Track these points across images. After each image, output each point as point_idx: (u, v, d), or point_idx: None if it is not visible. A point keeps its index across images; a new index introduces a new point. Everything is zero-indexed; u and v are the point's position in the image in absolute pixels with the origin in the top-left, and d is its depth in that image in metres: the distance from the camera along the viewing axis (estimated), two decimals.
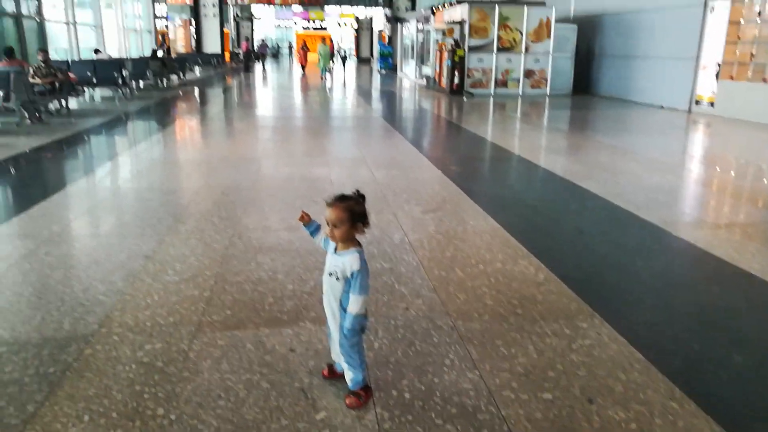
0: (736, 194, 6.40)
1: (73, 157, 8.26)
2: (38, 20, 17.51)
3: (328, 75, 24.94)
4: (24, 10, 16.77)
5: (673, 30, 14.72)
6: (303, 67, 29.54)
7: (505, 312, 3.30)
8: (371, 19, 43.63)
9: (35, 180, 6.77)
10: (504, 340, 2.98)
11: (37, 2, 17.62)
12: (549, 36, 17.89)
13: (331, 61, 26.28)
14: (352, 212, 2.27)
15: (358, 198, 2.31)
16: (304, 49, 30.55)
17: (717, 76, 13.39)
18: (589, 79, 18.80)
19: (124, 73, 15.73)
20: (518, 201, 5.86)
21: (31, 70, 11.60)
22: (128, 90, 16.16)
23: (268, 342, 2.90)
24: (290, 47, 31.25)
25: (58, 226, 4.68)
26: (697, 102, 14.15)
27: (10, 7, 16.01)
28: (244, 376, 2.60)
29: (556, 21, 17.80)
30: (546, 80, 18.18)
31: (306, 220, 2.54)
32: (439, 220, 5.05)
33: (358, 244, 2.36)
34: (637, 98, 16.26)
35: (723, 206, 5.98)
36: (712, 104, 13.63)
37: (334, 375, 2.60)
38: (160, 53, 20.95)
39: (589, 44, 18.58)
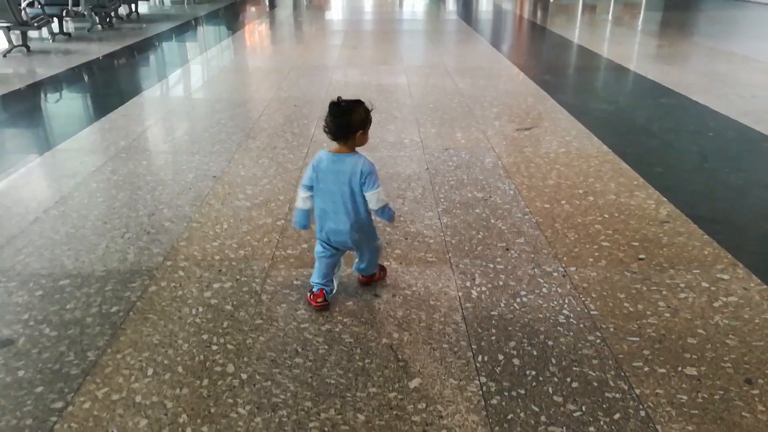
0: None
1: (143, 64, 8.00)
2: None
3: None
4: None
5: None
6: None
7: (625, 257, 2.78)
8: None
9: (105, 89, 6.56)
10: (627, 293, 2.49)
11: None
12: None
13: None
14: None
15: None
16: None
17: None
18: None
19: None
20: (626, 118, 5.12)
21: None
22: None
23: (350, 284, 2.53)
24: None
25: (126, 141, 4.43)
26: None
27: None
28: (324, 326, 2.26)
29: None
30: None
31: None
32: (536, 139, 4.44)
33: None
34: None
35: None
36: None
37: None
38: None
39: None
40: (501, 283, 2.56)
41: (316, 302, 2.34)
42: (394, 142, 4.42)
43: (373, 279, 2.53)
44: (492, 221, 3.13)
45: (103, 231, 3.02)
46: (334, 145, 2.21)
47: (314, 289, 2.36)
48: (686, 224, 3.10)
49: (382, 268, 2.59)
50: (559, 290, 2.50)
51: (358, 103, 2.17)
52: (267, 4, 16.11)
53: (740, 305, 2.40)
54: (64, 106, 5.98)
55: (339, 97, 2.17)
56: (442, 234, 2.99)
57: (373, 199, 2.17)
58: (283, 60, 7.89)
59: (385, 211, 2.23)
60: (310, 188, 2.24)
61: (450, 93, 5.86)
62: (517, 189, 3.54)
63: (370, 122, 2.21)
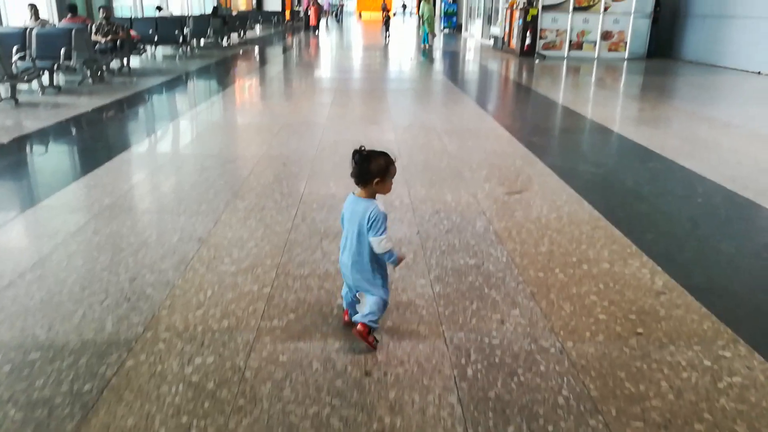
0: None
1: (132, 118, 7.98)
2: None
3: (431, 40, 19.69)
4: None
5: None
6: (314, 28, 27.43)
7: (623, 331, 2.70)
8: None
9: (92, 144, 6.50)
10: (628, 371, 2.39)
11: None
12: None
13: (433, 26, 20.15)
14: None
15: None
16: (316, 6, 27.92)
17: None
18: (671, 42, 17.26)
19: (186, 31, 15.46)
20: (615, 182, 5.14)
21: (93, 28, 11.42)
22: (189, 48, 15.92)
23: (339, 360, 2.41)
24: (340, 8, 37.70)
25: (110, 199, 4.33)
26: None
27: None
28: (311, 408, 2.12)
29: None
30: (625, 43, 16.83)
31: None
32: (526, 203, 4.42)
33: None
34: (728, 63, 14.78)
35: None
36: None
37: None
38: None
39: (673, 3, 16.99)
40: (497, 359, 2.45)
41: (344, 318, 2.68)
42: (384, 203, 4.35)
43: (364, 336, 2.45)
44: (486, 291, 3.05)
45: (81, 297, 2.88)
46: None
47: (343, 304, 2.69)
48: (683, 296, 3.04)
49: (375, 338, 2.50)
50: (557, 368, 2.40)
51: (379, 154, 2.38)
52: (257, 60, 16.39)
53: (745, 386, 2.31)
54: (50, 160, 5.90)
55: (362, 146, 2.38)
56: (434, 304, 2.90)
57: (374, 243, 2.36)
58: (274, 117, 7.92)
59: (386, 256, 2.41)
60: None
61: (439, 153, 5.87)
62: (509, 256, 3.48)
63: (391, 173, 2.40)
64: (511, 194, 4.64)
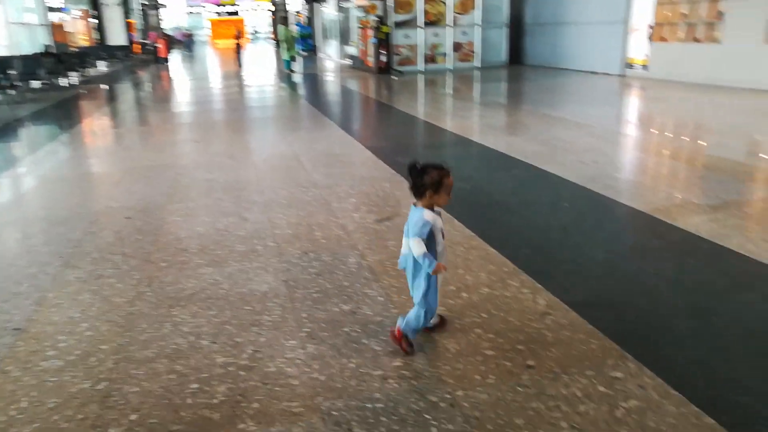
0: (734, 170, 5.89)
1: None
2: None
3: (294, 65, 19.28)
4: None
5: None
6: (164, 60, 26.22)
7: (513, 367, 2.49)
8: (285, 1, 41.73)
9: None
10: (525, 416, 2.17)
11: None
12: (474, 7, 17.29)
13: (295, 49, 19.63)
14: None
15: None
16: (165, 38, 27.04)
17: (649, 38, 13.15)
18: (518, 49, 18.36)
19: (11, 73, 13.88)
20: (484, 197, 5.07)
21: None
22: (18, 92, 14.31)
23: None
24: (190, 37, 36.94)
25: None
26: (629, 66, 13.92)
27: None
28: None
29: None
30: (474, 53, 17.62)
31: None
32: (398, 230, 4.13)
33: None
34: (568, 65, 15.96)
35: (719, 185, 5.42)
36: (644, 67, 13.42)
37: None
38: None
39: (517, 14, 18.11)
40: (383, 428, 2.12)
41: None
42: (246, 251, 3.92)
43: (398, 341, 2.59)
44: (364, 341, 2.72)
45: None
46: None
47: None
48: (567, 313, 2.91)
49: (410, 344, 2.59)
50: (451, 427, 2.12)
51: (433, 167, 2.47)
52: (99, 99, 15.09)
53: (642, 411, 2.17)
54: None
55: (416, 160, 2.48)
56: (308, 369, 2.52)
57: (410, 244, 2.44)
58: (116, 162, 7.14)
59: (422, 261, 2.41)
60: None
61: (304, 185, 5.51)
62: (386, 294, 3.20)
63: (446, 186, 2.46)
64: (381, 221, 4.39)
